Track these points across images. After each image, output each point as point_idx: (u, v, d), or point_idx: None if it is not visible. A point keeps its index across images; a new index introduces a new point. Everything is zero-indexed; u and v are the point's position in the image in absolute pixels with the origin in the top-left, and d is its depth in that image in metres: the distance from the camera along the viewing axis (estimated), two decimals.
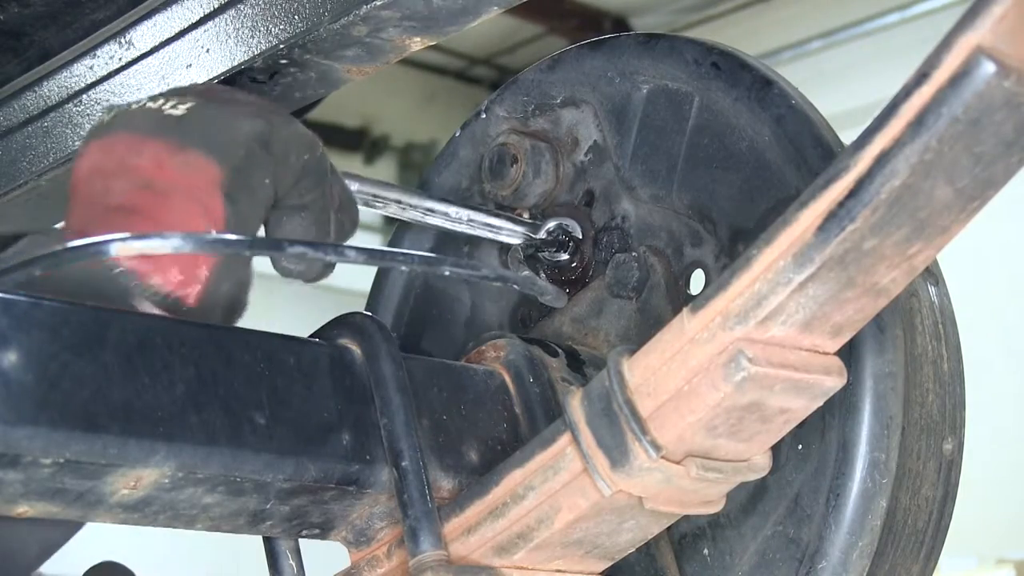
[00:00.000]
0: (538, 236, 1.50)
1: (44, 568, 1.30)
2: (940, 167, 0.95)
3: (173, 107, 1.24)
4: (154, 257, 1.16)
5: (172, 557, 7.18)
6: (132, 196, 1.19)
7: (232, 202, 1.20)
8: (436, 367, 1.30)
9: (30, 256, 1.05)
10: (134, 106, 1.26)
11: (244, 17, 1.41)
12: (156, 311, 1.17)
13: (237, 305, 1.24)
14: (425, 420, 1.24)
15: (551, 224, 1.50)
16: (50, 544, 1.24)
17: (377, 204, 1.45)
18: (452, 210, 1.50)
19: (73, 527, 1.25)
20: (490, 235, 1.52)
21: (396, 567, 1.23)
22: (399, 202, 1.47)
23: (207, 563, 8.18)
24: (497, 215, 1.53)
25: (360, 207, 1.41)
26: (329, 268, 1.31)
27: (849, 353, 1.22)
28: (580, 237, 1.50)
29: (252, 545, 1.31)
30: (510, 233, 1.52)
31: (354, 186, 1.40)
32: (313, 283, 1.35)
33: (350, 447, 1.18)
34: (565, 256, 1.50)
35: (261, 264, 1.28)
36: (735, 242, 1.36)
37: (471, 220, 1.51)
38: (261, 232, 1.28)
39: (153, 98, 1.26)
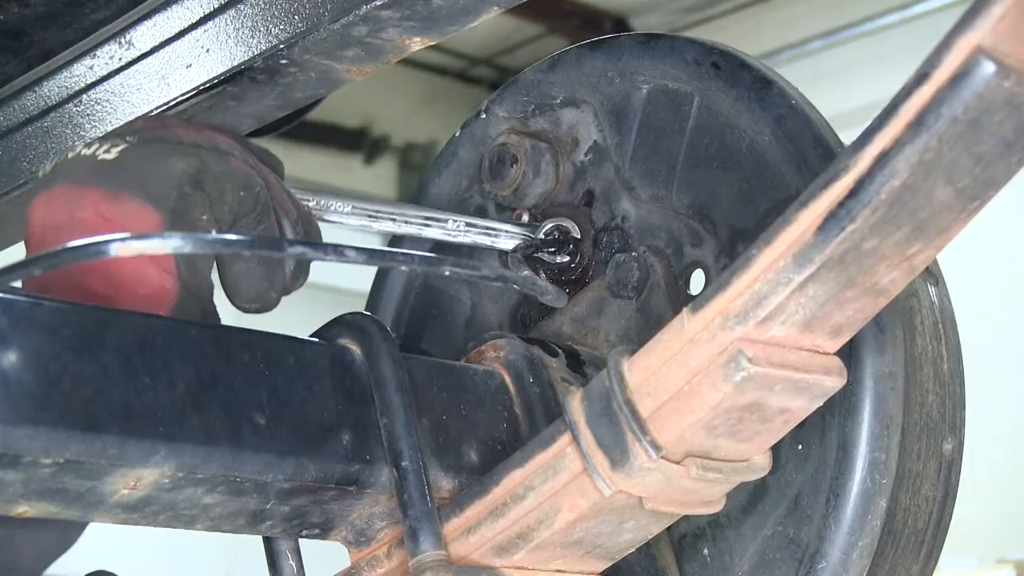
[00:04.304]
0: (536, 236, 1.51)
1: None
2: (940, 167, 0.95)
3: (106, 152, 1.27)
4: (117, 294, 1.20)
5: (171, 558, 7.18)
6: None
7: None
8: (436, 367, 1.30)
9: (30, 256, 1.06)
10: (70, 154, 1.29)
11: (244, 17, 1.41)
12: None
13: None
14: (425, 420, 1.24)
15: (548, 225, 1.51)
16: (49, 553, 1.26)
17: (374, 221, 1.46)
18: (450, 219, 1.51)
19: (72, 537, 1.26)
20: (489, 242, 1.52)
21: (396, 567, 1.23)
22: (394, 217, 1.48)
23: (206, 564, 8.18)
24: (494, 220, 1.53)
25: (359, 224, 1.44)
26: (276, 302, 1.35)
27: (849, 353, 1.21)
28: (579, 237, 1.50)
29: (252, 545, 1.31)
30: (509, 236, 1.52)
31: (347, 207, 1.43)
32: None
33: (350, 447, 1.18)
34: (565, 258, 1.50)
35: None
36: (735, 242, 1.36)
37: (469, 226, 1.51)
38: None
39: (88, 144, 1.29)
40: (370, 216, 1.46)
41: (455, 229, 1.51)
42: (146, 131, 1.31)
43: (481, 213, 1.59)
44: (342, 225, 1.45)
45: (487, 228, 1.52)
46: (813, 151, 1.30)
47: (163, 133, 1.31)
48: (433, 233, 1.51)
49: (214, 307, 1.30)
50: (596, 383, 1.13)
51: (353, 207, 1.44)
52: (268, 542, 1.26)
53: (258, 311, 1.35)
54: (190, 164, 1.26)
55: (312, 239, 1.38)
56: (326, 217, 1.43)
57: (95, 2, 1.51)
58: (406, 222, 1.49)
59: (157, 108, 1.49)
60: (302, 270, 1.37)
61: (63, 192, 1.26)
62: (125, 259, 1.21)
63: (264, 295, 1.33)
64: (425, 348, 1.63)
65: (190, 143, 1.30)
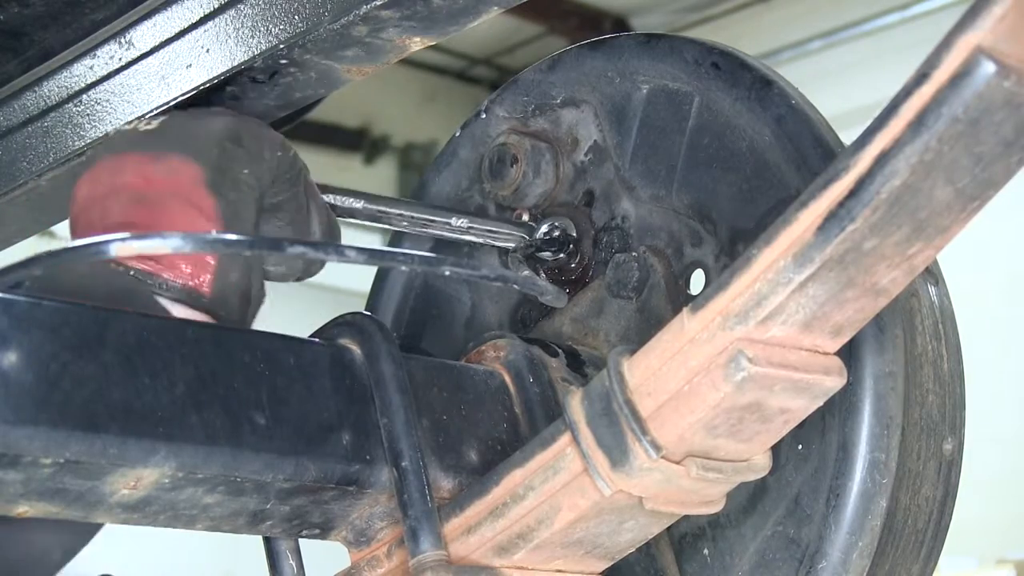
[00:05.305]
0: (534, 237, 1.51)
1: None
2: (940, 167, 0.95)
3: (147, 124, 1.31)
4: (164, 258, 1.21)
5: (171, 558, 7.18)
6: (128, 212, 1.23)
7: (220, 195, 1.25)
8: (436, 367, 1.30)
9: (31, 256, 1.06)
10: (111, 133, 1.33)
11: (244, 17, 1.41)
12: (177, 308, 1.20)
13: (251, 292, 1.28)
14: (425, 420, 1.24)
15: (545, 225, 1.51)
16: (71, 547, 1.27)
17: (383, 218, 1.48)
18: (453, 217, 1.52)
19: (93, 530, 1.27)
20: (490, 241, 1.53)
21: (396, 567, 1.23)
22: (401, 215, 1.49)
23: (206, 564, 8.18)
24: (495, 219, 1.54)
25: (364, 223, 1.46)
26: (316, 266, 1.35)
27: (849, 353, 1.21)
28: (576, 236, 1.50)
29: (252, 545, 1.31)
30: (508, 236, 1.53)
31: (358, 203, 1.44)
32: (302, 281, 1.40)
33: (350, 447, 1.18)
34: (564, 256, 1.50)
35: None
36: (735, 242, 1.36)
37: (471, 225, 1.52)
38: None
39: (129, 120, 1.34)
40: (380, 213, 1.48)
41: (458, 228, 1.52)
42: (181, 110, 1.35)
43: (481, 213, 1.59)
44: (353, 220, 1.47)
45: (487, 229, 1.53)
46: (813, 151, 1.30)
47: (199, 109, 1.35)
48: (436, 231, 1.52)
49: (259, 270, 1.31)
50: (596, 383, 1.13)
51: (364, 205, 1.46)
52: (268, 542, 1.26)
53: (284, 278, 1.37)
54: (229, 122, 1.30)
55: (332, 229, 1.40)
56: (339, 209, 1.45)
57: (95, 2, 1.51)
58: (412, 219, 1.50)
59: (157, 108, 1.49)
60: (334, 236, 1.39)
61: (104, 165, 1.28)
62: (173, 212, 1.23)
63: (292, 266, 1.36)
64: (425, 348, 1.63)
65: (225, 111, 1.34)
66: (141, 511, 1.11)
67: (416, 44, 1.36)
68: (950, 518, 1.34)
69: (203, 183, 1.25)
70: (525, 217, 1.54)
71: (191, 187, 1.24)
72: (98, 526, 1.27)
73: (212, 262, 1.23)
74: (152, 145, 1.28)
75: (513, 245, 1.53)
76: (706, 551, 1.33)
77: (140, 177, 1.25)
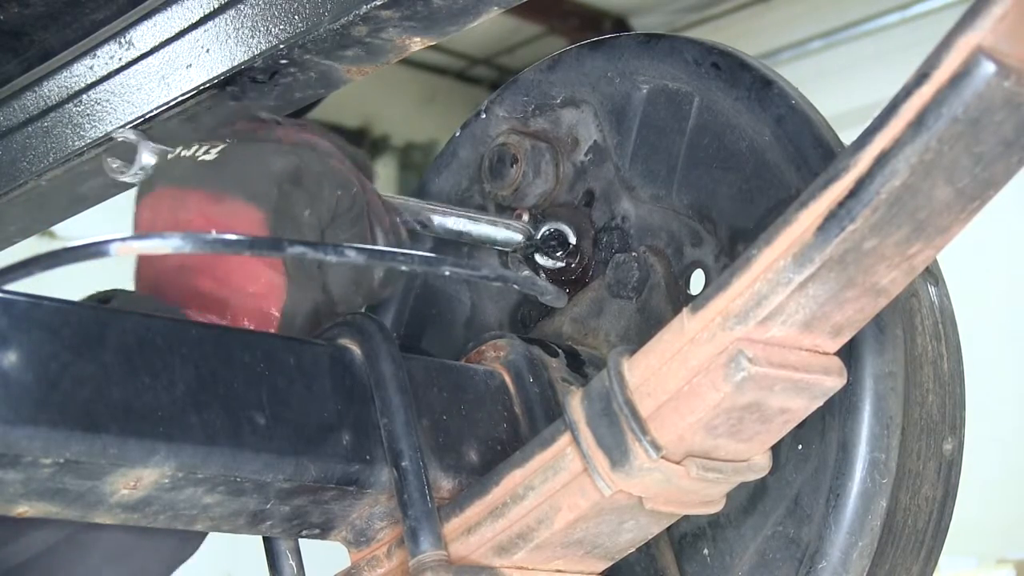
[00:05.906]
0: (533, 239, 1.51)
1: None
2: (940, 167, 0.95)
3: (205, 152, 1.29)
4: (227, 312, 1.23)
5: None
6: (192, 254, 1.23)
7: None
8: (436, 367, 1.30)
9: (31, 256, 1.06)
10: (170, 156, 1.31)
11: (244, 17, 1.41)
12: None
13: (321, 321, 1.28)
14: (425, 420, 1.24)
15: (544, 230, 1.51)
16: (176, 559, 1.27)
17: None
18: (454, 213, 1.52)
19: (196, 542, 1.27)
20: (490, 235, 1.53)
21: (396, 567, 1.23)
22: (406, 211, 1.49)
23: (207, 564, 8.17)
24: (495, 219, 1.54)
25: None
26: (360, 306, 1.36)
27: (849, 353, 1.21)
28: (574, 243, 1.50)
29: (252, 545, 1.31)
30: (507, 239, 1.53)
31: None
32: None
33: (350, 447, 1.18)
34: (561, 263, 1.50)
35: None
36: (735, 242, 1.36)
37: (472, 221, 1.52)
38: None
39: (187, 145, 1.31)
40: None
41: (456, 229, 1.52)
42: (245, 132, 1.33)
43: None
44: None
45: (487, 229, 1.53)
46: (813, 151, 1.30)
47: (262, 134, 1.33)
48: (440, 221, 1.52)
49: (333, 304, 1.31)
50: (596, 383, 1.12)
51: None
52: (268, 542, 1.26)
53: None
54: (289, 162, 1.29)
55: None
56: None
57: (95, 2, 1.51)
58: (416, 219, 1.50)
59: (157, 108, 1.50)
60: (391, 280, 1.39)
61: (167, 194, 1.28)
62: (234, 259, 1.23)
63: (350, 298, 1.35)
64: (425, 348, 1.63)
65: (289, 143, 1.32)
66: (141, 511, 1.11)
67: (416, 44, 1.36)
68: (950, 518, 1.34)
69: (264, 228, 1.25)
70: (525, 218, 1.54)
71: (252, 232, 1.24)
72: (201, 538, 1.27)
73: (276, 315, 1.25)
74: (211, 181, 1.27)
75: (515, 241, 1.53)
76: (706, 551, 1.33)
77: (202, 217, 1.26)
